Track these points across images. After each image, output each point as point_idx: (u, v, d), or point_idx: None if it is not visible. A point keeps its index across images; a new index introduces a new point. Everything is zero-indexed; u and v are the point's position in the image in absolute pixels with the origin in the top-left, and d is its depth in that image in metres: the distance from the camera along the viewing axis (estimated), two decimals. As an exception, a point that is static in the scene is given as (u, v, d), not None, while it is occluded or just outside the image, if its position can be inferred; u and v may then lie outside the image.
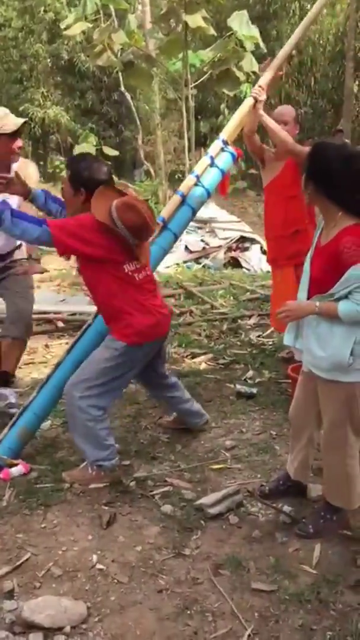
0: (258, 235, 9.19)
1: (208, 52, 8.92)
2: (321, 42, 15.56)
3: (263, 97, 3.94)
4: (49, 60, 17.25)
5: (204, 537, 2.64)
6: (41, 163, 19.43)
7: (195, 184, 3.72)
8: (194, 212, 3.79)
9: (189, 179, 3.74)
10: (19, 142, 3.70)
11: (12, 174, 3.28)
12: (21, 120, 3.68)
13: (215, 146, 3.84)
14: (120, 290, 2.96)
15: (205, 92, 14.77)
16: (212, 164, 3.79)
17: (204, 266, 8.14)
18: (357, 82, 14.81)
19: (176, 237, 3.72)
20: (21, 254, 4.05)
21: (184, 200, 3.68)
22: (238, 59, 8.62)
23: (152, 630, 2.14)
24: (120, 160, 16.07)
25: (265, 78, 4.03)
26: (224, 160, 3.84)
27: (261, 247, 8.71)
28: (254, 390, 4.06)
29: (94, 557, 2.50)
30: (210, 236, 8.75)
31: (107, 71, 15.63)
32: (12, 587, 2.32)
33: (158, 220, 3.64)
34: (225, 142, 3.84)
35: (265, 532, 2.67)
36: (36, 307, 4.15)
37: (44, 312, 5.87)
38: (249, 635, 2.10)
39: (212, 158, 3.79)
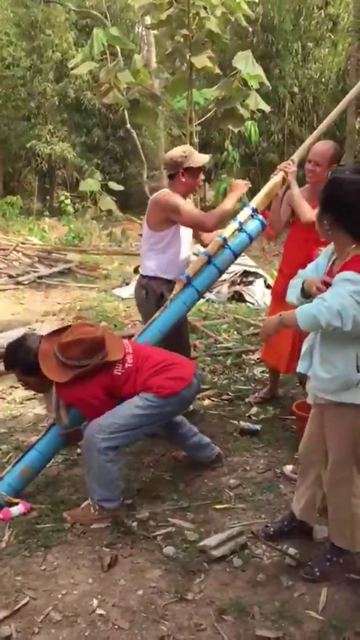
0: (262, 270, 9.22)
1: (213, 90, 9.05)
2: (323, 80, 15.82)
3: (293, 169, 3.99)
4: (56, 98, 17.64)
5: (207, 581, 2.58)
6: (47, 198, 19.71)
7: (223, 246, 3.77)
8: (220, 272, 3.86)
9: (217, 241, 3.79)
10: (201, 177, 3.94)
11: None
12: (208, 158, 3.96)
13: (244, 213, 3.91)
14: (128, 392, 3.04)
15: (209, 128, 14.99)
16: (240, 229, 3.85)
17: (207, 300, 8.14)
18: (359, 120, 15.02)
19: (199, 294, 3.77)
20: None
21: (209, 260, 3.74)
22: (243, 98, 8.75)
23: None
24: (126, 195, 16.24)
25: (298, 154, 4.12)
26: (252, 227, 3.90)
27: (265, 281, 8.71)
28: (258, 427, 4.01)
29: (95, 602, 2.44)
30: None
31: (113, 109, 15.94)
32: (10, 632, 2.26)
33: (182, 276, 3.70)
34: (255, 210, 3.91)
35: (269, 575, 2.61)
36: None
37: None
38: None
39: (240, 224, 3.85)
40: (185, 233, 3.93)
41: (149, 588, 2.53)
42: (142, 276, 4.00)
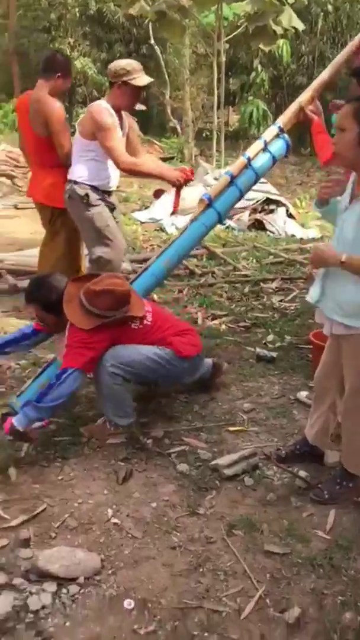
0: (284, 198, 9.02)
1: (245, 4, 8.60)
2: (359, -2, 14.97)
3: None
4: (77, 9, 16.85)
5: (219, 498, 2.65)
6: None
7: (246, 167, 3.64)
8: (242, 194, 3.75)
9: (240, 161, 3.67)
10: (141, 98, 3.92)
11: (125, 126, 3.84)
12: (148, 81, 3.85)
13: (270, 131, 3.75)
14: (146, 341, 3.07)
15: (237, 47, 14.33)
16: (265, 149, 3.70)
17: (228, 227, 8.01)
18: None
19: (220, 217, 3.67)
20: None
21: (232, 181, 3.62)
22: (276, 14, 8.30)
23: (165, 585, 2.16)
24: (147, 116, 15.78)
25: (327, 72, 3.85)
26: (278, 147, 3.75)
27: (287, 210, 8.55)
28: (274, 355, 4.03)
29: (109, 511, 2.53)
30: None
31: (136, 23, 15.25)
32: (28, 536, 2.35)
33: (203, 197, 3.61)
34: (281, 129, 3.73)
35: (280, 495, 2.67)
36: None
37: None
38: (261, 596, 2.11)
39: (265, 143, 3.69)
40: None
41: (162, 501, 2.61)
42: (68, 181, 3.99)
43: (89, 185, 3.90)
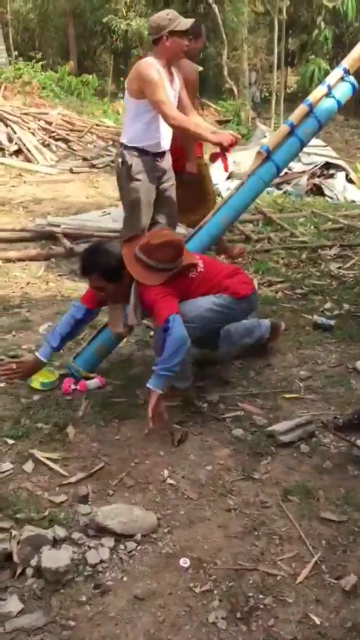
0: (344, 162, 8.75)
1: None
2: None
3: None
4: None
5: (274, 463, 2.64)
6: (122, 79, 19.03)
7: (308, 114, 3.48)
8: (303, 144, 3.58)
9: (301, 108, 3.49)
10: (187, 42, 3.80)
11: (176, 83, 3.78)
12: (191, 22, 3.79)
13: (334, 74, 3.55)
14: (202, 292, 3.06)
15: (298, 4, 13.81)
16: (328, 94, 3.52)
17: (285, 192, 7.84)
18: None
19: (279, 170, 3.56)
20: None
21: (292, 131, 3.47)
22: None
23: (220, 546, 2.18)
24: (204, 77, 15.45)
25: None
26: (343, 91, 3.54)
27: (347, 175, 8.30)
28: (332, 322, 3.95)
29: (165, 472, 2.56)
30: (293, 160, 8.38)
31: (194, -20, 14.86)
32: (87, 492, 2.41)
33: (262, 149, 3.49)
34: (346, 71, 3.54)
35: (336, 463, 2.65)
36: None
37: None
38: (316, 562, 2.11)
39: (329, 87, 3.51)
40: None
41: (218, 465, 2.62)
42: (120, 144, 3.99)
43: (139, 148, 3.84)
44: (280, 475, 2.57)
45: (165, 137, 3.92)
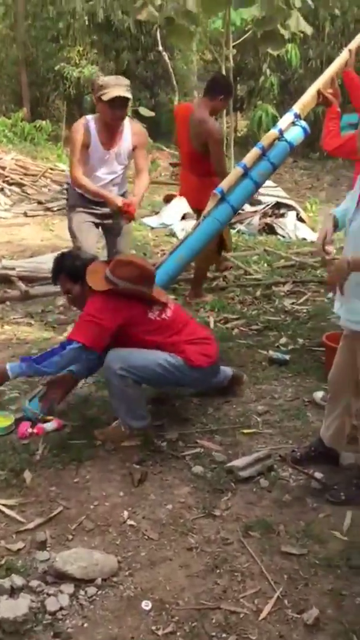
0: (294, 202, 9.01)
1: (253, 10, 8.61)
2: (367, 2, 14.94)
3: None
4: (85, 18, 16.94)
5: (234, 499, 2.65)
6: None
7: (261, 157, 3.60)
8: (257, 185, 3.70)
9: (254, 151, 3.62)
10: (117, 113, 3.77)
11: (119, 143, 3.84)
12: (122, 93, 3.68)
13: (286, 119, 3.71)
14: (154, 341, 2.99)
15: (245, 52, 14.36)
16: (280, 137, 3.66)
17: (238, 231, 8.02)
18: None
19: (234, 210, 3.66)
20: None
21: (246, 173, 3.58)
22: (284, 18, 8.31)
23: (182, 586, 2.16)
24: (156, 122, 15.82)
25: (356, 42, 3.92)
26: (295, 134, 3.69)
27: (297, 214, 8.54)
28: (287, 357, 4.02)
29: (125, 513, 2.53)
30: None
31: (143, 30, 15.31)
32: (45, 538, 2.37)
33: (216, 191, 3.58)
34: (297, 116, 3.70)
35: (295, 497, 2.67)
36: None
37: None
38: (278, 597, 2.11)
39: (281, 131, 3.65)
40: (97, 160, 3.89)
41: (178, 503, 2.61)
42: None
43: (77, 191, 4.00)
44: (241, 510, 2.57)
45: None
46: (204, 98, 4.87)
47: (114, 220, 4.11)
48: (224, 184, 3.62)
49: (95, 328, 2.90)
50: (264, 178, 3.70)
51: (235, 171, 3.62)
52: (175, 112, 5.43)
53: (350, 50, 3.86)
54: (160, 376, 2.98)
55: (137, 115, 13.66)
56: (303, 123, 3.72)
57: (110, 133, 3.86)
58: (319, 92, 3.73)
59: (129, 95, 3.73)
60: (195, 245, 3.60)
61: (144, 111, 13.51)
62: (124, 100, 3.72)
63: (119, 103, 3.71)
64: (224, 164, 4.82)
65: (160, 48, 14.00)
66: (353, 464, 2.77)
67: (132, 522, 2.48)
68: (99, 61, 17.04)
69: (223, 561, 2.28)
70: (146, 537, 2.41)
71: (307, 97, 3.74)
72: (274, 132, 3.65)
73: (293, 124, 3.70)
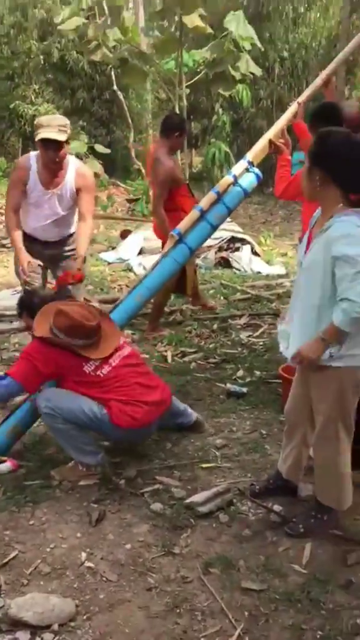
0: (248, 236, 9.18)
1: (204, 52, 8.91)
2: (314, 45, 15.60)
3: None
4: (40, 57, 17.16)
5: (194, 536, 2.62)
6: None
7: (217, 201, 3.72)
8: (214, 228, 3.82)
9: (210, 196, 3.74)
10: (49, 154, 3.71)
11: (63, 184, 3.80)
12: (51, 136, 3.62)
13: (239, 166, 3.85)
14: (89, 392, 2.96)
15: (197, 92, 14.75)
16: (235, 183, 3.78)
17: (196, 265, 8.10)
18: (348, 86, 14.87)
19: (191, 251, 3.75)
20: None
21: (202, 215, 3.69)
22: (234, 60, 8.63)
23: (141, 628, 2.12)
24: (111, 159, 16.00)
25: (305, 95, 4.09)
26: (248, 181, 3.84)
27: (251, 248, 8.69)
28: (245, 390, 4.05)
29: (83, 555, 2.48)
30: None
31: (98, 69, 15.59)
32: (0, 584, 2.29)
33: (173, 233, 3.67)
34: (250, 163, 3.84)
35: (255, 531, 2.66)
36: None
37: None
38: (239, 635, 2.08)
39: (235, 177, 3.79)
40: (36, 199, 3.86)
41: (137, 542, 2.57)
42: None
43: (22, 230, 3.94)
44: (200, 547, 2.55)
45: (37, 230, 3.95)
46: (161, 138, 5.08)
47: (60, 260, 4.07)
48: (182, 226, 3.73)
49: (28, 367, 2.94)
50: (219, 221, 3.84)
51: (192, 214, 3.74)
52: (147, 152, 5.66)
53: (299, 103, 4.05)
54: (85, 423, 2.94)
55: (93, 152, 13.83)
56: (256, 170, 3.87)
57: (50, 173, 3.80)
58: (270, 142, 3.91)
59: (60, 137, 3.63)
60: (153, 284, 3.67)
61: (100, 148, 13.69)
62: (55, 142, 3.64)
63: (50, 145, 3.65)
64: (157, 204, 5.01)
65: (115, 87, 14.26)
66: (311, 495, 2.78)
67: (90, 564, 2.43)
68: (54, 99, 17.21)
69: (183, 600, 2.25)
70: (104, 578, 2.36)
71: (259, 146, 3.92)
72: (228, 178, 3.81)
73: (247, 170, 3.83)
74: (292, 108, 4.08)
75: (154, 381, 3.16)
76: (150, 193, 5.29)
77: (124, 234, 9.23)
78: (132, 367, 3.10)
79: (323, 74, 4.22)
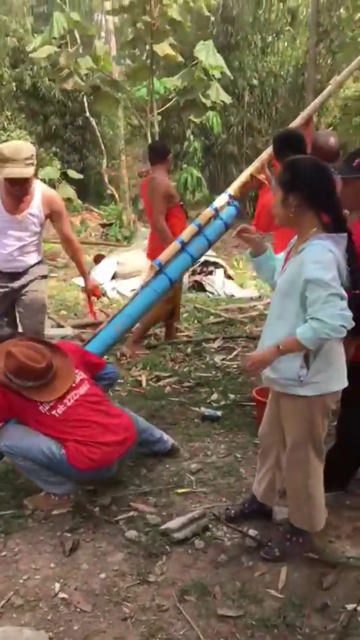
0: (221, 260, 9.27)
1: (175, 80, 9.08)
2: (282, 73, 15.95)
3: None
4: (13, 84, 17.26)
5: (170, 563, 2.60)
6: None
7: (198, 233, 3.78)
8: (194, 260, 3.88)
9: (191, 228, 3.81)
10: (15, 189, 3.61)
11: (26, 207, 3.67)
12: (18, 174, 3.50)
13: (221, 199, 3.96)
14: (48, 432, 2.93)
15: (169, 119, 14.96)
16: (216, 216, 3.85)
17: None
18: (316, 113, 15.22)
19: (171, 282, 3.81)
20: (41, 271, 4.00)
21: (183, 247, 3.74)
22: (204, 88, 8.81)
23: (117, 660, 2.08)
24: (84, 185, 16.08)
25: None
26: (227, 214, 3.92)
27: (224, 271, 8.78)
28: (219, 413, 4.06)
29: (57, 586, 2.44)
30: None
31: (71, 96, 15.72)
32: (-29, 618, 2.23)
33: (154, 263, 3.72)
34: (231, 197, 3.92)
35: (231, 556, 2.64)
36: None
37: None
38: (216, 663, 2.06)
39: (216, 210, 3.86)
40: (7, 227, 3.74)
41: (112, 571, 2.54)
42: None
43: None
44: (176, 574, 2.53)
45: (2, 261, 3.83)
46: (156, 165, 5.32)
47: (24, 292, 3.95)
48: (162, 257, 3.79)
49: None
50: (200, 253, 3.92)
51: (173, 246, 3.81)
52: (140, 186, 6.05)
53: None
54: (43, 463, 2.90)
55: (66, 177, 13.88)
56: (236, 203, 3.97)
57: (15, 200, 3.69)
58: (252, 176, 4.00)
59: (27, 173, 3.50)
60: (133, 313, 3.72)
61: (73, 174, 13.77)
62: (20, 179, 3.53)
63: (16, 181, 3.54)
64: (158, 219, 5.12)
65: (87, 114, 14.39)
66: (286, 518, 2.78)
67: (64, 595, 2.39)
68: (27, 126, 17.29)
69: (159, 629, 2.22)
70: (79, 609, 2.32)
71: (240, 181, 4.04)
72: (210, 210, 3.89)
73: (228, 204, 3.91)
74: (268, 150, 4.14)
75: (116, 419, 3.06)
76: (147, 218, 5.43)
77: (98, 259, 9.25)
78: (90, 404, 3.02)
79: (304, 113, 4.33)
